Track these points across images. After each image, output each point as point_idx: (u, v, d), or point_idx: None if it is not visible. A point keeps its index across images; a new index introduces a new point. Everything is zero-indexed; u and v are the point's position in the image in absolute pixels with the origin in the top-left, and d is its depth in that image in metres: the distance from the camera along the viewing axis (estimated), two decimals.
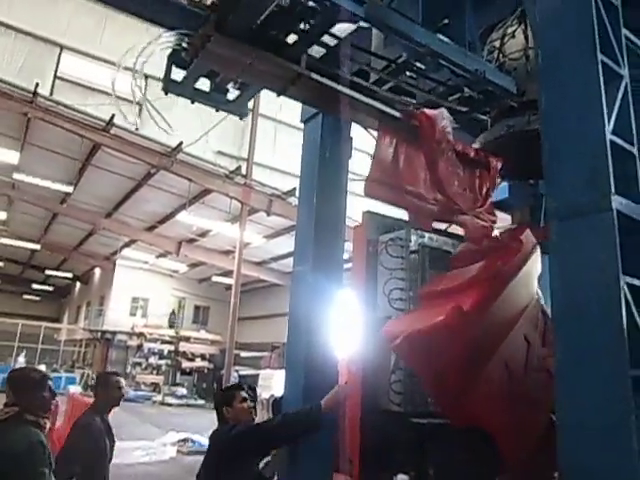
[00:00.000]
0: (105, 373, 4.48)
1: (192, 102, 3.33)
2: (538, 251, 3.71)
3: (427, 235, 3.98)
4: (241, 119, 3.50)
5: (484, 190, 3.71)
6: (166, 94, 3.27)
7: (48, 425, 2.98)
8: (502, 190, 4.65)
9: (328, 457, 3.41)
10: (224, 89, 3.42)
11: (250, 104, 3.64)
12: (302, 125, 4.28)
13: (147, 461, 10.79)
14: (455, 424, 3.21)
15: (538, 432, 3.31)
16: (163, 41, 3.10)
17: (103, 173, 16.61)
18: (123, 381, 4.01)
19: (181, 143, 13.94)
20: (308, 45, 3.12)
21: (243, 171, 15.33)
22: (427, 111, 3.29)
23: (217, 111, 3.42)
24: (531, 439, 3.32)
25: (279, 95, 3.25)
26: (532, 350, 3.47)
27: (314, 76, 3.13)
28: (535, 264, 3.73)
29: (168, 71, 3.21)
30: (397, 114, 3.46)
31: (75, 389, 18.75)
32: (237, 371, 21.10)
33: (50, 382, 3.02)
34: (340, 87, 3.27)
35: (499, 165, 3.78)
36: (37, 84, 12.12)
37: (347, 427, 3.45)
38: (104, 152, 14.72)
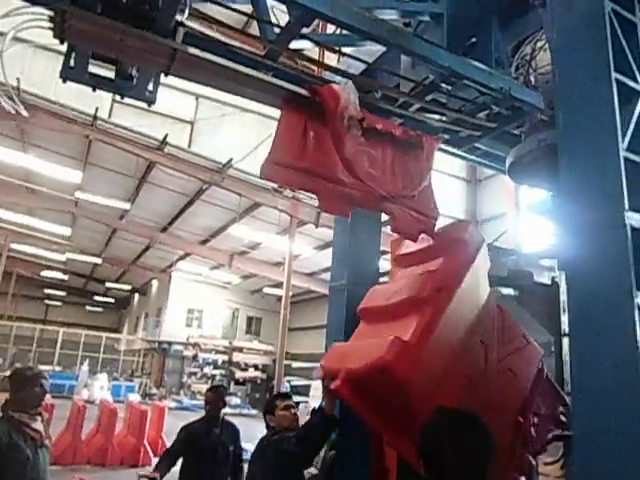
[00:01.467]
0: None
1: (93, 90, 2.98)
2: (485, 246, 3.41)
3: None
4: (149, 106, 3.15)
5: (416, 175, 3.30)
6: (64, 82, 2.90)
7: (39, 418, 3.37)
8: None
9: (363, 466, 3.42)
10: (128, 74, 3.07)
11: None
12: None
13: None
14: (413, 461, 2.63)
15: (504, 435, 2.98)
16: (25, 19, 2.69)
17: (158, 190, 17.33)
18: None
19: (231, 159, 14.40)
20: (173, 15, 2.74)
21: None
22: (331, 85, 3.05)
23: (122, 98, 3.09)
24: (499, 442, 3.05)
25: (166, 75, 2.93)
26: (490, 353, 3.14)
27: (193, 51, 2.84)
28: (483, 261, 3.40)
29: (67, 58, 2.87)
30: (303, 91, 3.12)
31: (134, 397, 19.47)
32: (289, 381, 21.35)
33: (44, 380, 3.38)
34: (226, 62, 2.95)
35: (435, 145, 3.42)
36: (97, 108, 12.85)
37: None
38: (159, 170, 15.37)
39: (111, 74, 3.02)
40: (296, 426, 3.66)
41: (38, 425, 3.34)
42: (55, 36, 2.63)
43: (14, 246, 24.96)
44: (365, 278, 4.11)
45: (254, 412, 23.07)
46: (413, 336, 2.75)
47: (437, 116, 3.62)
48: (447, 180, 20.00)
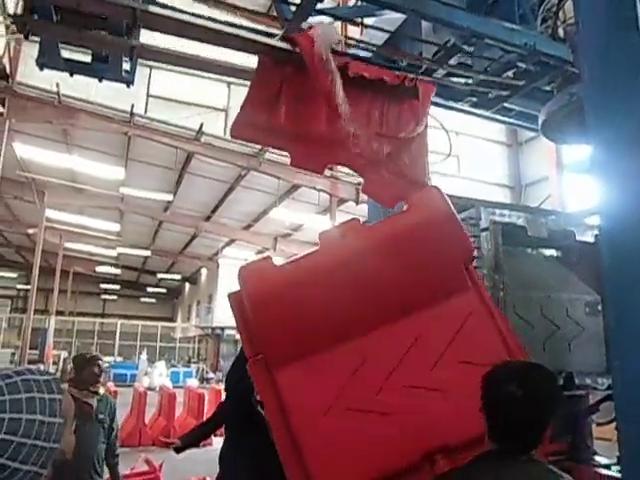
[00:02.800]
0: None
1: (71, 75, 3.02)
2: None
3: (498, 211, 4.00)
4: (128, 87, 3.19)
5: (410, 120, 3.08)
6: (41, 70, 2.98)
7: (95, 397, 3.88)
8: None
9: None
10: (104, 57, 3.09)
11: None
12: None
13: None
14: None
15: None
16: None
17: (199, 179, 17.64)
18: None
19: None
20: None
21: None
22: (306, 32, 2.89)
23: (100, 81, 3.13)
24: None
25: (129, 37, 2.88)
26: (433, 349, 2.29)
27: (155, 9, 2.83)
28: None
29: (41, 47, 2.92)
30: (279, 44, 2.99)
31: (192, 382, 20.14)
32: None
33: (100, 361, 3.95)
34: (186, 17, 2.93)
35: (431, 90, 3.19)
36: (132, 105, 13.16)
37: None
38: (198, 160, 15.64)
39: (87, 58, 3.09)
40: None
41: (92, 401, 3.82)
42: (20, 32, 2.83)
43: (69, 245, 25.99)
44: None
45: None
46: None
47: (463, 79, 3.57)
48: (487, 145, 19.55)
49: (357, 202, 16.27)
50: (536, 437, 1.67)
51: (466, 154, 17.82)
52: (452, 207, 2.34)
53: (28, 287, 24.06)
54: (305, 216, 18.54)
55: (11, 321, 32.92)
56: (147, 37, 3.16)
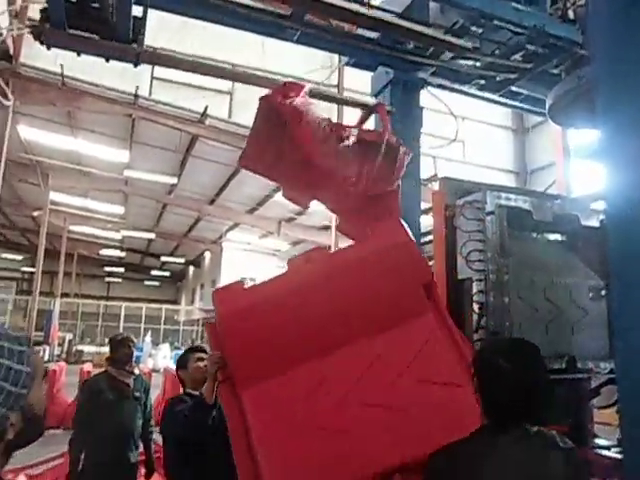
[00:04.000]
0: None
1: (78, 55, 3.16)
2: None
3: (504, 195, 4.00)
4: (135, 66, 3.31)
5: (385, 178, 3.28)
6: (48, 49, 3.10)
7: (131, 376, 4.28)
8: None
9: None
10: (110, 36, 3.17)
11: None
12: None
13: None
14: None
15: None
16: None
17: (203, 163, 17.60)
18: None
19: None
20: None
21: None
22: (293, 105, 3.05)
23: (107, 61, 3.23)
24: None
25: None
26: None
27: None
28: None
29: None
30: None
31: None
32: None
33: (131, 342, 4.34)
34: None
35: (408, 155, 3.41)
36: (137, 87, 13.11)
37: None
38: (202, 142, 15.59)
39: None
40: None
41: (129, 380, 4.20)
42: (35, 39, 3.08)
43: (73, 228, 26.10)
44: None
45: None
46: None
47: (470, 62, 3.55)
48: (492, 131, 19.43)
49: None
50: (528, 410, 1.75)
51: (471, 139, 17.71)
52: (410, 236, 2.54)
53: (33, 269, 24.19)
54: None
55: (17, 303, 33.13)
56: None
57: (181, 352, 3.72)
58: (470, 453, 1.69)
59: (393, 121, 4.08)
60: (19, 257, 37.52)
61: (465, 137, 17.02)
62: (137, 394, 4.25)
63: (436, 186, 4.30)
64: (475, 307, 3.49)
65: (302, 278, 2.45)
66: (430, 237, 4.14)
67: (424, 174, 4.33)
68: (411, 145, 4.20)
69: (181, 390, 3.66)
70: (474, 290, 3.56)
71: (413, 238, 2.56)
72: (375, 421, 2.10)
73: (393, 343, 2.28)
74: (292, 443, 2.12)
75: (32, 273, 28.46)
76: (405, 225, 2.61)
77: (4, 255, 34.89)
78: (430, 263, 3.48)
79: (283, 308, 2.36)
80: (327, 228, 21.47)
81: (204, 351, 3.62)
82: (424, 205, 4.62)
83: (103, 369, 4.45)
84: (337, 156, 3.17)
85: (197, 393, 3.23)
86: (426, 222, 4.63)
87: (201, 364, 3.42)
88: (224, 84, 14.82)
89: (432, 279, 2.49)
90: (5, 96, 11.51)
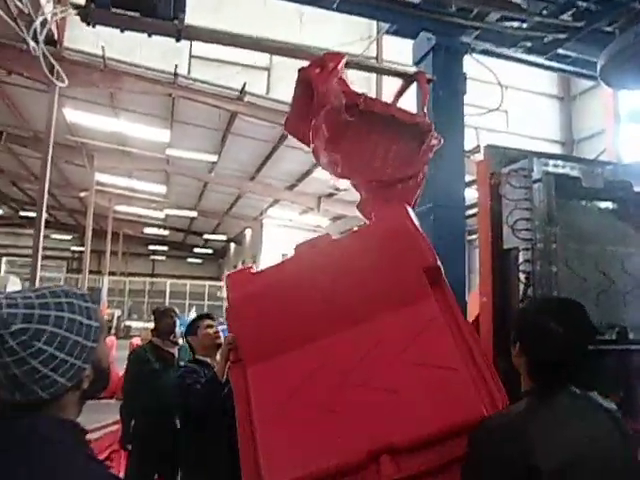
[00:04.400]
0: None
1: (122, 31, 3.20)
2: None
3: (552, 162, 3.87)
4: (177, 41, 3.43)
5: (407, 164, 3.18)
6: (93, 27, 3.18)
7: (175, 346, 4.55)
8: None
9: None
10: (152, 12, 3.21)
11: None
12: None
13: None
14: None
15: None
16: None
17: (242, 140, 17.67)
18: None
19: None
20: None
21: None
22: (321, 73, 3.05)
23: (150, 36, 3.31)
24: None
25: None
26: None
27: None
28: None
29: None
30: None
31: None
32: None
33: (173, 313, 4.50)
34: None
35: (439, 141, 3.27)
36: (176, 66, 13.19)
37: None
38: (241, 120, 15.63)
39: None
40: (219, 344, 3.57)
41: (173, 350, 4.40)
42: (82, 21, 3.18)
43: (118, 208, 26.79)
44: (451, 201, 4.07)
45: None
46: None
47: (516, 23, 3.41)
48: (537, 99, 18.79)
49: None
50: (576, 372, 1.71)
51: (515, 109, 17.12)
52: (413, 221, 2.55)
53: (82, 249, 25.05)
54: None
55: (68, 281, 34.47)
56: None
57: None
58: (520, 414, 1.67)
59: (435, 89, 4.00)
60: (68, 237, 38.86)
61: (508, 106, 16.44)
62: (182, 363, 4.31)
63: (479, 157, 4.21)
64: (522, 277, 3.43)
65: (304, 263, 2.55)
66: (474, 210, 4.08)
67: (467, 145, 4.23)
68: (454, 113, 4.12)
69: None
70: (520, 260, 3.49)
71: (417, 223, 2.58)
72: (368, 401, 2.14)
73: (392, 327, 2.32)
74: (286, 419, 2.19)
75: (81, 252, 29.48)
76: (410, 211, 2.66)
77: (54, 236, 36.16)
78: (474, 236, 3.42)
79: (285, 292, 2.47)
80: None
81: (213, 318, 3.94)
82: (468, 178, 4.53)
83: (148, 340, 4.64)
84: (362, 139, 3.11)
85: (207, 360, 3.41)
86: (469, 195, 4.55)
87: (210, 331, 3.66)
88: (262, 60, 14.77)
89: (436, 264, 2.44)
90: (52, 80, 11.80)
